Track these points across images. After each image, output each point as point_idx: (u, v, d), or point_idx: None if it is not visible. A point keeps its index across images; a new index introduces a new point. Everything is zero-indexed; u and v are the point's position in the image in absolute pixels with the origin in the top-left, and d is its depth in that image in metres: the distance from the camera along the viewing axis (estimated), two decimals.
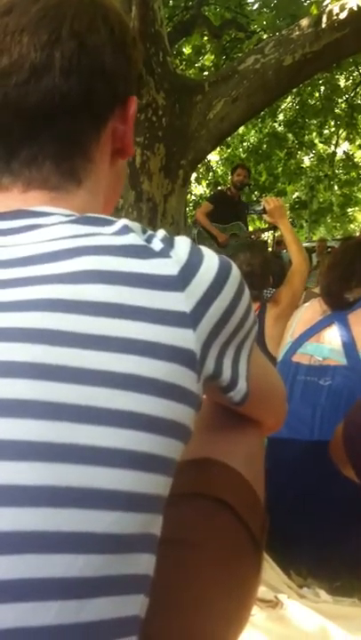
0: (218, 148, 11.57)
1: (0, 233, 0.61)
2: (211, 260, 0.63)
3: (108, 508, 0.52)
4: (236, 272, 0.65)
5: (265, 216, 3.40)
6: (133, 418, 0.54)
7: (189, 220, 7.87)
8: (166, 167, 5.04)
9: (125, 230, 0.62)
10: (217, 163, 14.76)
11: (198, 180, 14.07)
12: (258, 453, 0.87)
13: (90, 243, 0.59)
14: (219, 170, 14.27)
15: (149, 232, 0.64)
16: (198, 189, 14.70)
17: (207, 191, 13.48)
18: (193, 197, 14.16)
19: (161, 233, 0.64)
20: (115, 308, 0.56)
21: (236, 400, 0.71)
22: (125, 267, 0.58)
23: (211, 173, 14.39)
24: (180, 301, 0.59)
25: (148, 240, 0.62)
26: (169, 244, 0.62)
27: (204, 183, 14.32)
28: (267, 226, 6.85)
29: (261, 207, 3.46)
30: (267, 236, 9.04)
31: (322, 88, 10.37)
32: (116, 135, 0.74)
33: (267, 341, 2.80)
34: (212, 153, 10.02)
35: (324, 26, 4.79)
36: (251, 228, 7.52)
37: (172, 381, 0.56)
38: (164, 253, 0.61)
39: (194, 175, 11.17)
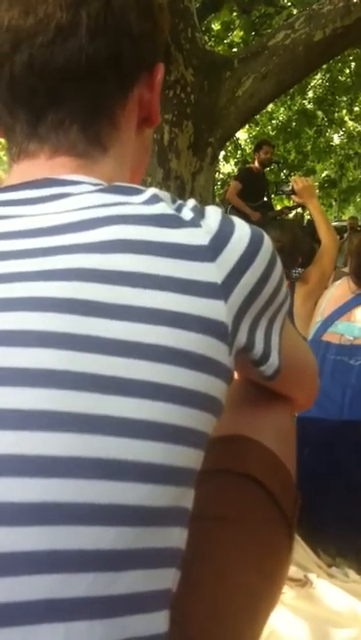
0: (246, 126, 11.47)
1: (29, 202, 0.60)
2: (242, 230, 0.62)
3: (139, 481, 0.51)
4: (268, 242, 0.63)
5: (294, 197, 3.37)
6: (164, 390, 0.53)
7: (217, 199, 7.82)
8: (195, 145, 4.97)
9: (155, 199, 0.60)
10: (245, 141, 14.64)
11: (226, 159, 13.98)
12: (289, 431, 0.86)
13: (119, 212, 0.58)
14: (247, 148, 14.14)
15: (179, 201, 0.63)
16: (226, 167, 14.60)
17: (234, 169, 13.38)
18: (221, 176, 14.07)
19: (191, 202, 0.63)
20: (144, 278, 0.54)
21: (267, 374, 0.70)
22: (155, 236, 0.57)
23: (239, 151, 14.28)
24: (212, 272, 0.57)
25: (178, 209, 0.61)
26: (199, 213, 0.61)
27: (232, 161, 14.23)
28: (293, 204, 6.83)
29: (290, 187, 3.41)
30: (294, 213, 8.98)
31: (352, 64, 10.17)
32: (143, 103, 0.73)
33: (295, 320, 2.78)
34: (241, 131, 9.93)
35: (355, 0, 4.68)
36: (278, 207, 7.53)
37: (203, 353, 0.55)
38: (194, 223, 0.59)
39: (222, 153, 11.09)
